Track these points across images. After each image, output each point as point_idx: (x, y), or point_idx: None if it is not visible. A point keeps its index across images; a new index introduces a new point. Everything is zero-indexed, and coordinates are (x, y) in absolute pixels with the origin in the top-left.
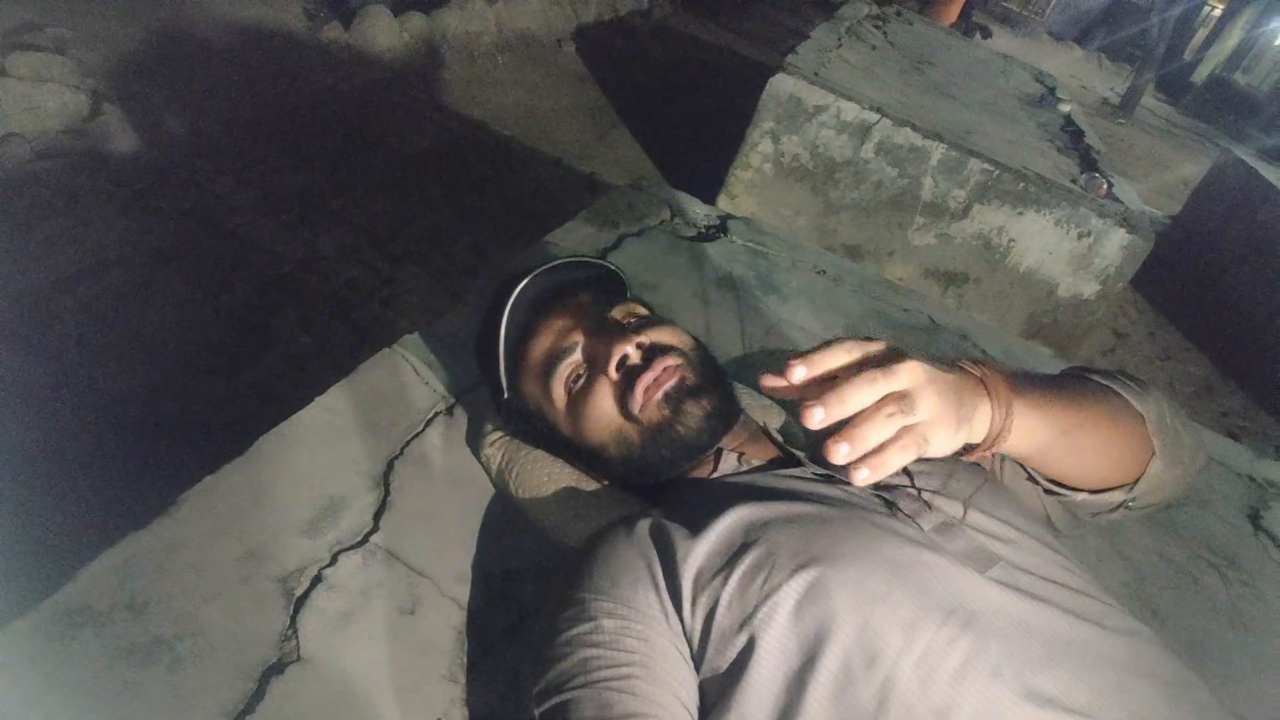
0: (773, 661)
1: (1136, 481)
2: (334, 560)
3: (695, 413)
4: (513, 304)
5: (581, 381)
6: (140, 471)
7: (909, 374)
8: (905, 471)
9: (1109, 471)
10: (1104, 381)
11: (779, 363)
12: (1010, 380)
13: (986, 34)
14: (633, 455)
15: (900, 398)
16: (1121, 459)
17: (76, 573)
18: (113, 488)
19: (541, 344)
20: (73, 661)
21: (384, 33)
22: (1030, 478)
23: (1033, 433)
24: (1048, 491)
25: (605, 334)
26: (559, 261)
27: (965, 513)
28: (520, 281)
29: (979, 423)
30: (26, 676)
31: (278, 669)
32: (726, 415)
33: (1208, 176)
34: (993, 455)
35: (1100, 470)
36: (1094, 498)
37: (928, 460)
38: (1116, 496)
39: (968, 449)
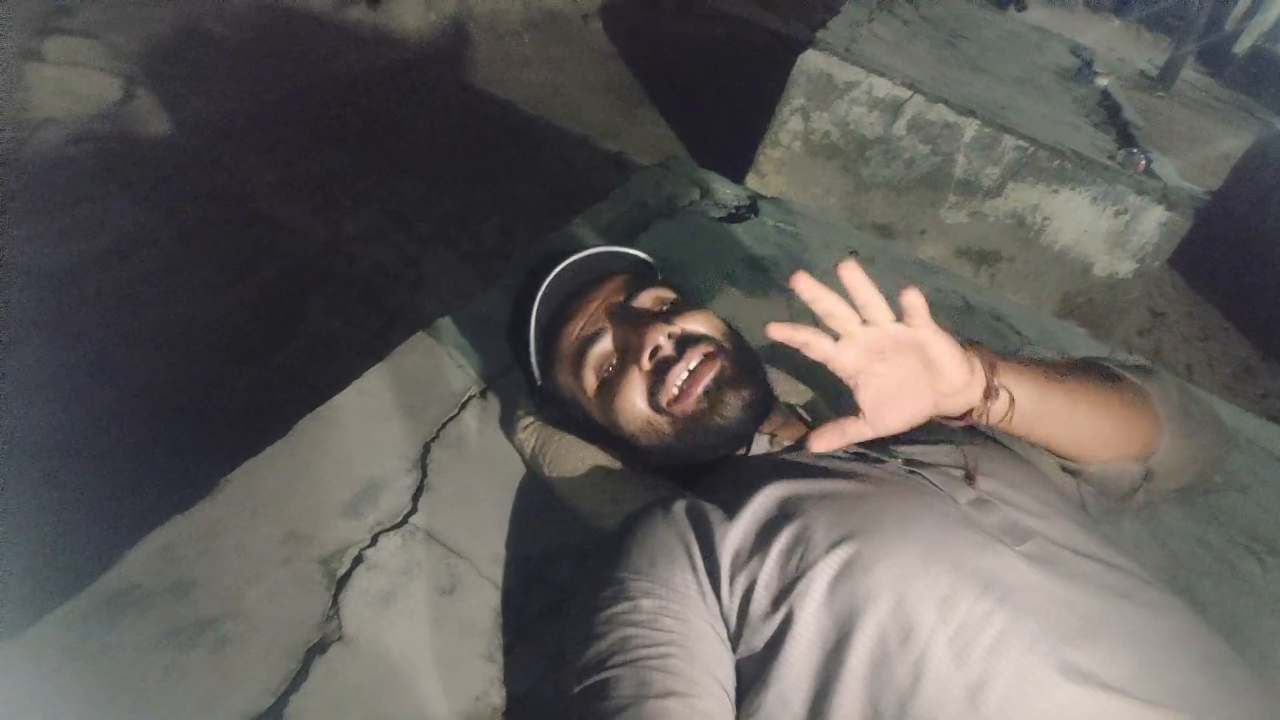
0: (809, 639)
1: (1151, 455)
2: (374, 541)
3: (734, 403)
4: (543, 294)
5: (613, 370)
6: (171, 456)
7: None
8: (938, 446)
9: (1113, 436)
10: (1100, 360)
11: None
12: (995, 352)
13: (1021, 6)
14: (664, 445)
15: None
16: (1127, 425)
17: (121, 556)
18: (145, 472)
19: (572, 333)
20: (119, 644)
21: (410, 12)
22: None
23: (1024, 389)
24: (1064, 469)
25: (636, 323)
26: (587, 253)
27: (977, 480)
28: (549, 272)
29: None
30: (74, 659)
31: (320, 648)
32: (764, 404)
33: (1249, 151)
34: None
35: (1104, 434)
36: (1112, 469)
37: (961, 440)
38: (1134, 468)
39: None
